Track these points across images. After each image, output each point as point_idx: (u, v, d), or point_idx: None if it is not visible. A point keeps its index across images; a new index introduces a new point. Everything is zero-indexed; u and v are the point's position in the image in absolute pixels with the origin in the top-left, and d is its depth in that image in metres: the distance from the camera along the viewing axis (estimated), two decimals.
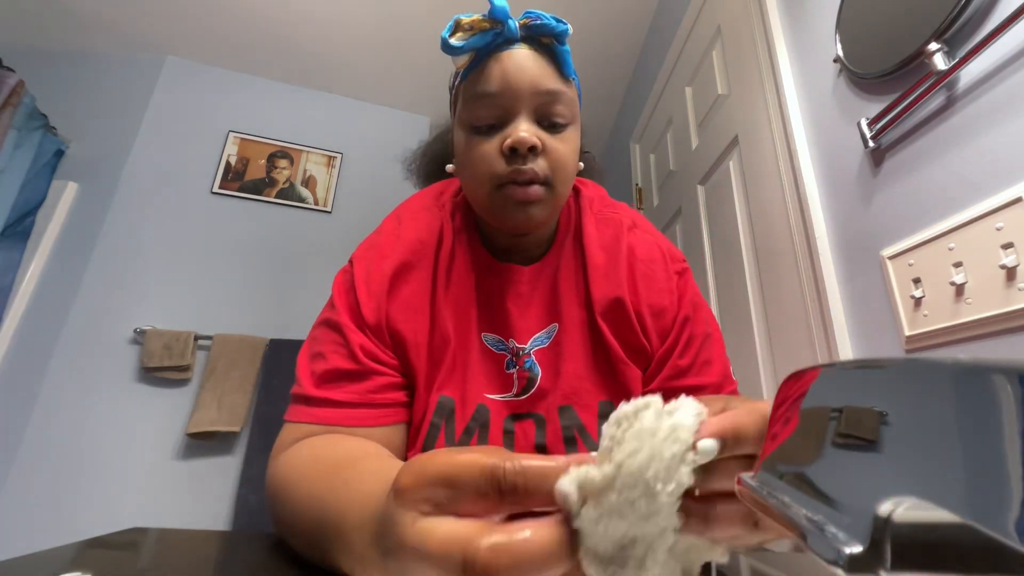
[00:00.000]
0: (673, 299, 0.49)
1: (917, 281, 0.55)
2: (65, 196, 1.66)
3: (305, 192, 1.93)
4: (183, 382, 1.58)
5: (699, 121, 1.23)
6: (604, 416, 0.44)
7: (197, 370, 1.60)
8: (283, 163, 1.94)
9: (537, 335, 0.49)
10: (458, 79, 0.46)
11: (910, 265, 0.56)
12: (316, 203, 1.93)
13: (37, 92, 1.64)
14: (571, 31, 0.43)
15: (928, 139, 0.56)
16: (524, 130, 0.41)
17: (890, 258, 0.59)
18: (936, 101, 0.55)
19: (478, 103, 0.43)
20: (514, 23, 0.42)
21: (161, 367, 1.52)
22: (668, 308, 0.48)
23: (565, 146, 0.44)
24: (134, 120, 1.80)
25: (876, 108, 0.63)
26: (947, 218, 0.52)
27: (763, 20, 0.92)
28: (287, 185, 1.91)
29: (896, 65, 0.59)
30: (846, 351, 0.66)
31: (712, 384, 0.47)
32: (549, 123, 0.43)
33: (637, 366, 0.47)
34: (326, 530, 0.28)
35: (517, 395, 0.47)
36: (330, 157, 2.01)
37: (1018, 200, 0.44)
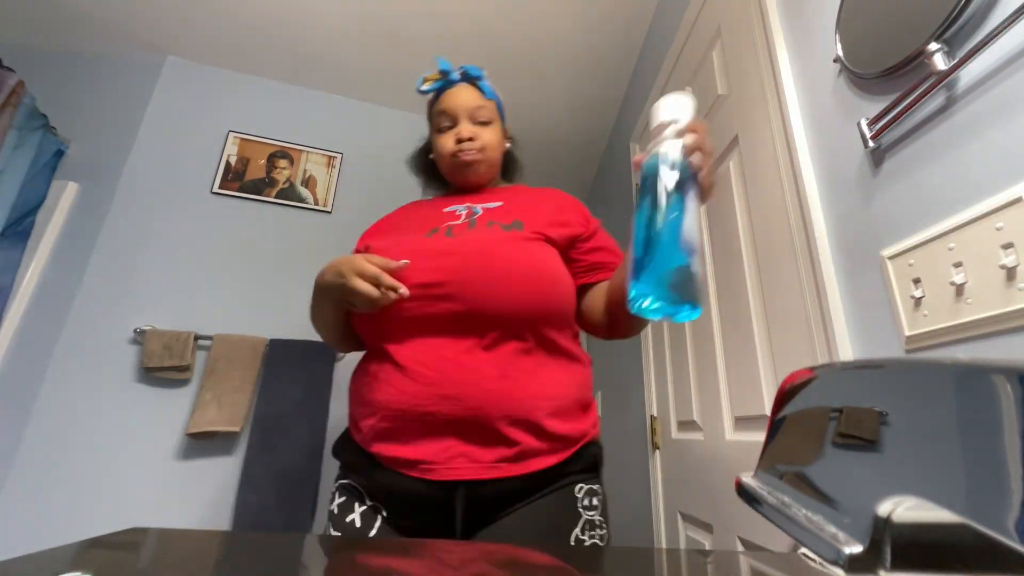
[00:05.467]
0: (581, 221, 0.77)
1: (917, 281, 0.55)
2: (65, 196, 1.66)
3: (305, 192, 1.93)
4: (183, 382, 1.58)
5: None
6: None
7: (197, 370, 1.60)
8: (283, 163, 1.94)
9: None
10: (429, 107, 0.84)
11: (910, 265, 0.56)
12: (316, 203, 1.92)
13: (37, 92, 1.64)
14: (485, 74, 0.83)
15: (928, 139, 0.56)
16: (463, 131, 0.78)
17: (890, 258, 0.59)
18: (936, 101, 0.55)
19: (440, 116, 0.80)
20: (455, 73, 0.81)
21: (161, 367, 1.52)
22: (576, 222, 0.76)
23: (489, 132, 0.81)
24: (134, 120, 1.80)
25: (876, 108, 0.63)
26: (947, 218, 0.52)
27: (763, 20, 0.92)
28: (287, 185, 1.91)
29: (896, 65, 0.59)
30: (846, 351, 0.66)
31: (614, 260, 0.77)
32: (478, 121, 0.80)
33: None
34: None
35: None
36: (330, 157, 2.01)
37: (1018, 200, 0.44)
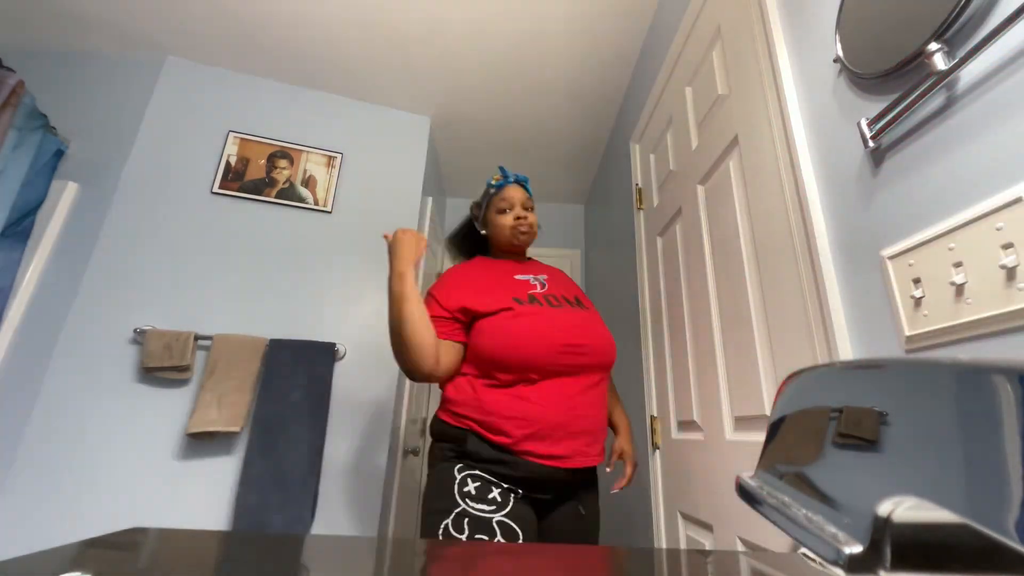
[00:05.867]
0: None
1: (917, 281, 0.55)
2: (65, 196, 1.66)
3: (305, 192, 1.93)
4: (183, 382, 1.58)
5: (699, 121, 1.23)
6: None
7: (197, 370, 1.60)
8: (283, 163, 1.94)
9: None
10: (492, 192, 1.15)
11: (910, 265, 0.56)
12: (316, 203, 1.93)
13: (37, 92, 1.64)
14: (529, 180, 1.24)
15: (928, 139, 0.56)
16: (519, 212, 1.12)
17: (890, 258, 0.59)
18: (936, 101, 0.55)
19: (502, 202, 1.12)
20: (512, 177, 1.15)
21: (161, 367, 1.52)
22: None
23: (533, 217, 1.14)
24: (134, 120, 1.80)
25: (876, 108, 0.63)
26: (947, 218, 0.52)
27: (763, 20, 0.92)
28: (287, 185, 1.91)
29: (896, 65, 0.59)
30: (846, 351, 0.66)
31: None
32: (526, 207, 1.13)
33: None
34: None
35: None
36: (330, 157, 2.01)
37: (1018, 200, 0.44)
